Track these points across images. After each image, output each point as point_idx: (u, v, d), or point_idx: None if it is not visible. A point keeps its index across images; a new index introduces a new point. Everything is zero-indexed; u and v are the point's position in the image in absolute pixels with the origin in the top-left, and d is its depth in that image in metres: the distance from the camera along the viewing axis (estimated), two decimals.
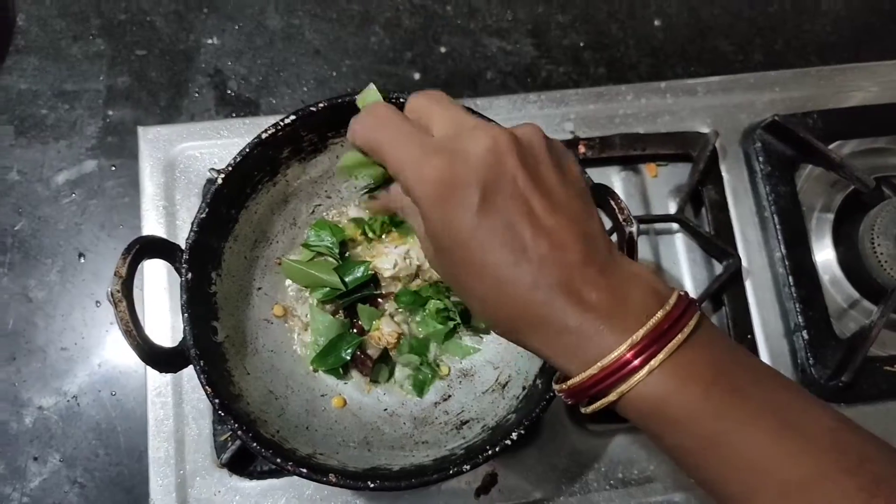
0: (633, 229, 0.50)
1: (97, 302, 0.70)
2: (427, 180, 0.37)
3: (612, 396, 0.36)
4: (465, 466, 0.50)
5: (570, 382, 0.38)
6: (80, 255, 0.72)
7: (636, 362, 0.35)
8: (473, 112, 0.42)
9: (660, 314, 0.36)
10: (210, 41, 0.79)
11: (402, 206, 0.43)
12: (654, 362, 0.35)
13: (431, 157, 0.37)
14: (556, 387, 0.40)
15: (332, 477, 0.49)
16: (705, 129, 0.72)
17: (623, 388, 0.36)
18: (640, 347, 0.35)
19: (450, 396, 0.62)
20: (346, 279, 0.62)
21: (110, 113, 0.75)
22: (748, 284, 0.69)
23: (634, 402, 0.36)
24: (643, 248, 0.70)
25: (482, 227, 0.36)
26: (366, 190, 0.49)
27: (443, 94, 0.42)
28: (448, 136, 0.39)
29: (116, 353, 0.69)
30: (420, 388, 0.62)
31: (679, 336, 0.36)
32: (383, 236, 0.65)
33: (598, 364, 0.36)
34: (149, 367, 0.63)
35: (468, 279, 0.38)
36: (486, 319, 0.40)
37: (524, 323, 0.38)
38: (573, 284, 0.36)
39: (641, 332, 0.36)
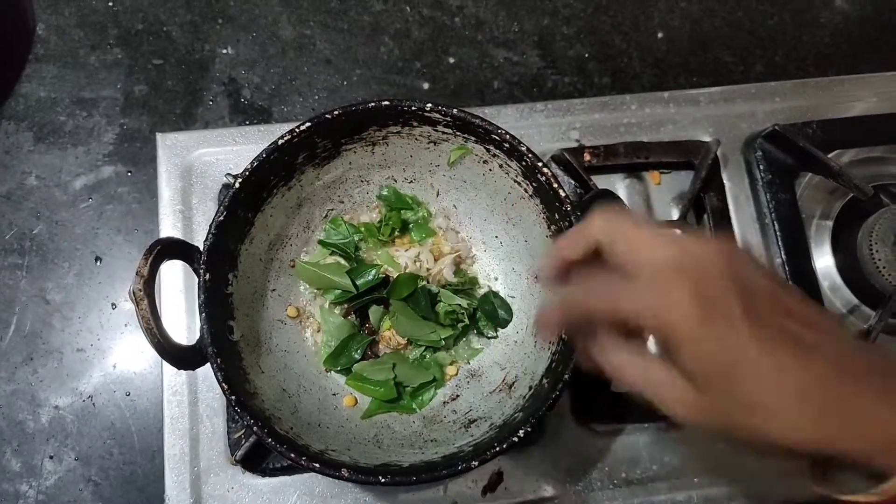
0: None
1: (113, 304, 0.72)
2: (680, 304, 0.35)
3: None
4: (473, 462, 0.51)
5: None
6: (97, 258, 0.73)
7: None
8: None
9: None
10: (224, 51, 0.81)
11: (642, 380, 0.39)
12: None
13: (673, 279, 0.35)
14: (857, 499, 0.37)
15: (344, 472, 0.51)
16: (707, 138, 0.74)
17: None
18: None
19: (458, 396, 0.63)
20: (358, 282, 0.63)
21: (127, 120, 0.77)
22: None
23: None
24: None
25: (757, 333, 0.34)
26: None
27: (626, 212, 0.40)
28: (672, 254, 0.36)
29: (131, 354, 0.71)
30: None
31: None
32: (394, 240, 0.66)
33: None
34: (165, 367, 0.65)
35: (760, 397, 0.34)
36: (794, 437, 0.35)
37: (837, 422, 0.34)
38: (863, 371, 0.35)
39: None
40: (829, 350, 0.34)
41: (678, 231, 0.39)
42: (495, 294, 0.66)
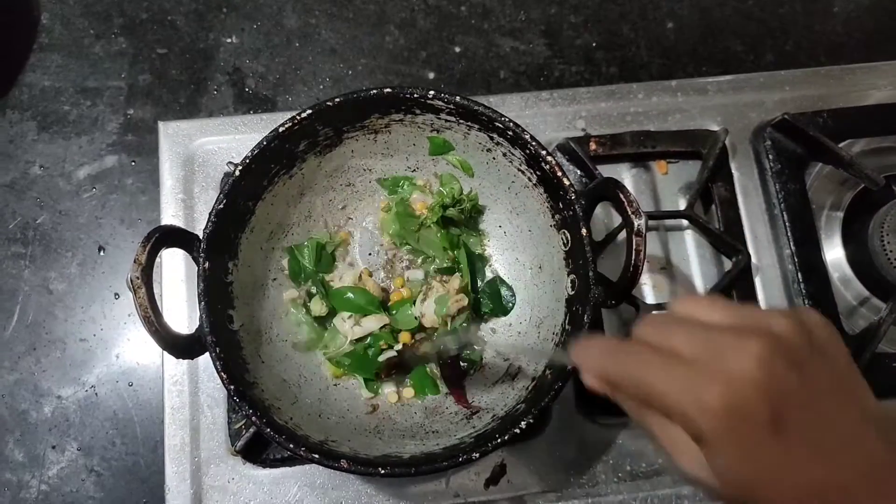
0: (642, 222, 0.51)
1: (116, 294, 0.72)
2: (710, 411, 0.34)
3: None
4: (474, 454, 0.51)
5: None
6: (100, 248, 0.73)
7: None
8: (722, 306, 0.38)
9: None
10: (229, 40, 0.80)
11: (670, 443, 0.38)
12: None
13: (707, 384, 0.34)
14: None
15: (343, 463, 0.50)
16: (715, 128, 0.73)
17: None
18: None
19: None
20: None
21: (131, 110, 0.77)
22: (757, 281, 0.70)
23: None
24: (653, 245, 0.71)
25: (786, 447, 0.33)
26: None
27: (668, 316, 0.38)
28: (706, 356, 0.35)
29: (134, 344, 0.71)
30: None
31: None
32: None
33: None
34: (166, 356, 0.65)
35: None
36: None
37: None
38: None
39: None
40: (860, 451, 0.34)
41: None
42: (501, 280, 0.66)
